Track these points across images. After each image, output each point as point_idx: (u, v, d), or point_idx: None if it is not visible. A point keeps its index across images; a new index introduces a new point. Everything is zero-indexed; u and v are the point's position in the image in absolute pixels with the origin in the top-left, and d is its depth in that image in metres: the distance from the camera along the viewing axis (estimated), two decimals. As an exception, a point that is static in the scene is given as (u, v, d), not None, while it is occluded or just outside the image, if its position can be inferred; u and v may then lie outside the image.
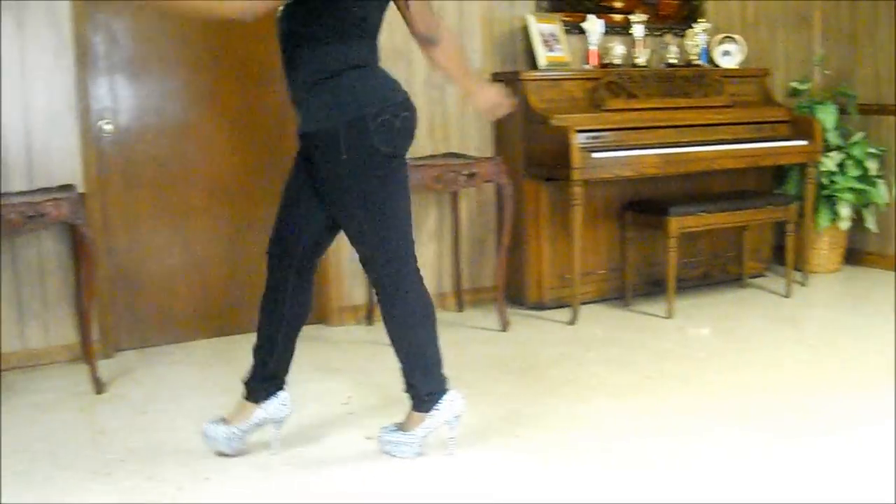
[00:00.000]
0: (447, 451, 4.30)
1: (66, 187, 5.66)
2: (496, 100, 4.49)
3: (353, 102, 3.94)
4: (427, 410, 4.26)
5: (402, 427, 4.31)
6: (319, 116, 3.98)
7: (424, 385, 4.26)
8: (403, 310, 4.18)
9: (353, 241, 4.16)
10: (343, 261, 6.67)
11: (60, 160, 5.86)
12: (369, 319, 6.72)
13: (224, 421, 4.33)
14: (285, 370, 4.38)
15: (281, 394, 4.35)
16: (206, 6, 3.88)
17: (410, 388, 4.29)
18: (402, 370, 4.29)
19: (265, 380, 4.33)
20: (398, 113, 4.03)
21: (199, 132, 6.26)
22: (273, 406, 4.32)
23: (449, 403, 4.26)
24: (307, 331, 6.45)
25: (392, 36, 6.65)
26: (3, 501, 3.98)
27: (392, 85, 4.11)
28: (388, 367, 5.57)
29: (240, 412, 4.33)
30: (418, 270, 4.20)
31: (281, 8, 3.95)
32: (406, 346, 4.24)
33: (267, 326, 4.32)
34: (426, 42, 4.36)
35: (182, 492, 4.00)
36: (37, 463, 4.35)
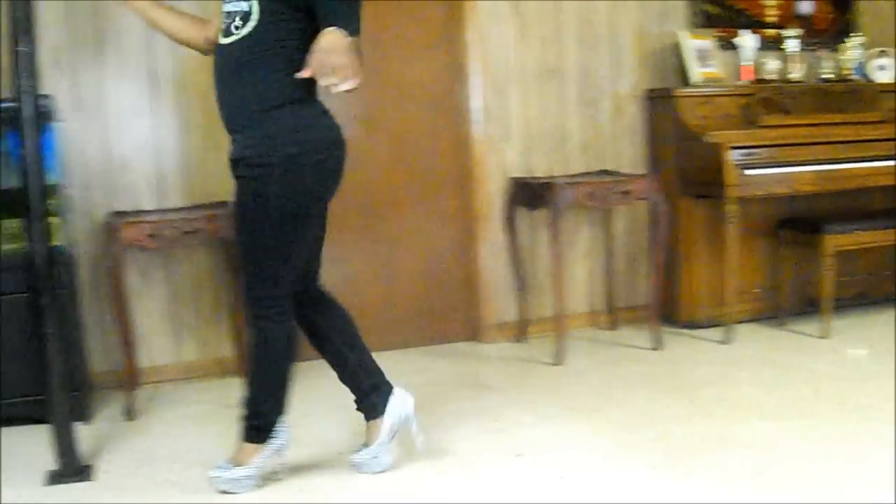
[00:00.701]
0: None
1: (222, 203, 5.75)
2: None
3: (292, 137, 3.95)
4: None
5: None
6: (258, 146, 3.97)
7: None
8: (264, 339, 4.21)
9: (241, 259, 4.15)
10: (494, 278, 6.68)
11: (216, 176, 5.95)
12: (521, 337, 6.70)
13: (364, 445, 4.38)
14: (380, 373, 4.43)
15: (396, 390, 4.40)
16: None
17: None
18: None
19: (369, 394, 4.39)
20: (332, 152, 4.07)
21: (354, 150, 6.28)
22: (394, 407, 4.36)
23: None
24: (459, 347, 6.56)
25: (545, 54, 6.70)
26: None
27: (327, 121, 4.12)
28: (540, 386, 5.59)
29: (371, 432, 4.38)
30: (284, 303, 4.18)
31: (234, 36, 3.96)
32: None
33: (331, 356, 4.45)
34: None
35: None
36: (189, 473, 4.42)
